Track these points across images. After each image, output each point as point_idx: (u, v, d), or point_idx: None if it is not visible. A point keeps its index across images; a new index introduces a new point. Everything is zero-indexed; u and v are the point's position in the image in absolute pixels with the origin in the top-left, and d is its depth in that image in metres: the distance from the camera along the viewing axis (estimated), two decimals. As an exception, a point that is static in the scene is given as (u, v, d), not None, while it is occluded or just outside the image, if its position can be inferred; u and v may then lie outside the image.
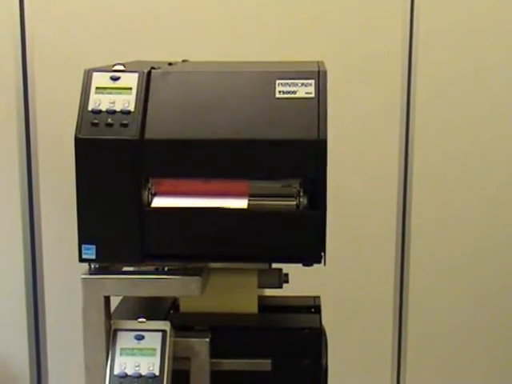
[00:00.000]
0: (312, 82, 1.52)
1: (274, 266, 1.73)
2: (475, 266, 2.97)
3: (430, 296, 2.92)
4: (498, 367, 3.13)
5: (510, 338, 3.10)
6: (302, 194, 1.53)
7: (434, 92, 2.72)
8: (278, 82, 1.53)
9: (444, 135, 2.78)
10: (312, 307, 1.82)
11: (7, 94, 2.37)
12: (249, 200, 1.53)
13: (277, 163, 1.51)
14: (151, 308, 1.79)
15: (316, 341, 1.65)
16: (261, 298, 1.79)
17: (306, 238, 1.51)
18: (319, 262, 1.53)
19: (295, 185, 1.54)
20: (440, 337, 2.98)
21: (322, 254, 1.53)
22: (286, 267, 1.76)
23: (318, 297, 1.87)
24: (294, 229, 1.51)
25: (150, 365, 1.53)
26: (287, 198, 1.54)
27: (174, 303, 1.81)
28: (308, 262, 1.55)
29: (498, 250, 2.96)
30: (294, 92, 1.52)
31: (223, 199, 1.52)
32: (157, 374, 1.52)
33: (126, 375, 1.53)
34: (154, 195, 1.54)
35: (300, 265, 1.58)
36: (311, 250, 1.52)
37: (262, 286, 1.76)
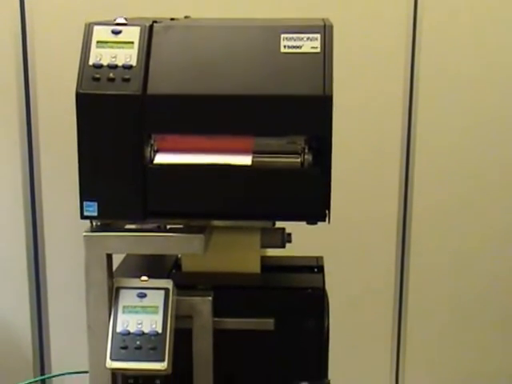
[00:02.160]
0: (318, 36, 1.49)
1: (277, 225, 1.72)
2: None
3: (431, 254, 2.93)
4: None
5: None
6: (306, 151, 1.51)
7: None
8: (282, 36, 1.50)
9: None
10: (315, 267, 1.81)
11: (5, 48, 2.33)
12: (253, 157, 1.51)
13: (281, 119, 1.48)
14: (153, 267, 1.79)
15: (319, 300, 1.64)
16: (263, 258, 1.77)
17: (310, 195, 1.50)
18: (323, 219, 1.51)
19: (300, 142, 1.51)
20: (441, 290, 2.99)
21: (327, 211, 1.51)
22: (289, 227, 1.75)
23: (321, 257, 1.86)
24: (299, 186, 1.50)
25: (152, 322, 1.53)
26: (292, 155, 1.52)
27: (177, 263, 1.80)
28: (312, 220, 1.53)
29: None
30: (300, 47, 1.49)
31: (227, 156, 1.50)
32: (159, 331, 1.52)
33: (129, 333, 1.52)
34: (157, 152, 1.52)
35: (304, 224, 1.58)
36: (316, 208, 1.50)
37: (264, 245, 1.75)
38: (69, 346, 2.39)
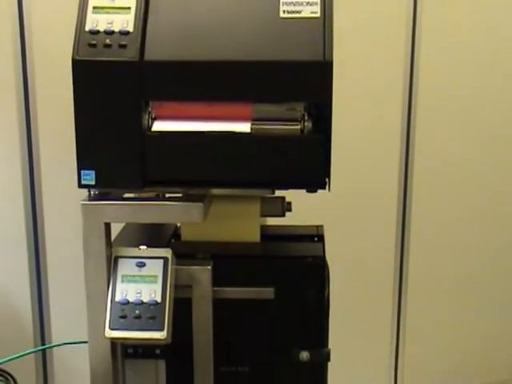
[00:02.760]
0: (318, 0, 1.47)
1: (277, 193, 1.70)
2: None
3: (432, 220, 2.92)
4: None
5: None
6: (306, 118, 1.49)
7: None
8: (282, 1, 1.47)
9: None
10: (315, 236, 1.80)
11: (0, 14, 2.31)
12: (252, 124, 1.49)
13: (281, 86, 1.46)
14: (152, 237, 1.78)
15: (319, 269, 1.63)
16: (263, 227, 1.76)
17: (310, 162, 1.48)
18: (323, 187, 1.50)
19: (300, 108, 1.50)
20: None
21: (327, 179, 1.50)
22: (289, 196, 1.74)
23: (322, 226, 1.84)
24: (299, 153, 1.48)
25: (151, 292, 1.52)
26: (291, 122, 1.50)
27: (176, 232, 1.79)
28: (312, 187, 1.52)
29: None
30: (299, 11, 1.47)
31: (226, 123, 1.49)
32: (158, 300, 1.51)
33: (128, 302, 1.51)
34: (155, 119, 1.50)
35: (304, 193, 1.56)
36: (315, 176, 1.49)
37: (264, 214, 1.74)
38: (69, 317, 2.38)
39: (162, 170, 1.50)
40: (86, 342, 1.60)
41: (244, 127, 1.48)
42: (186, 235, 1.73)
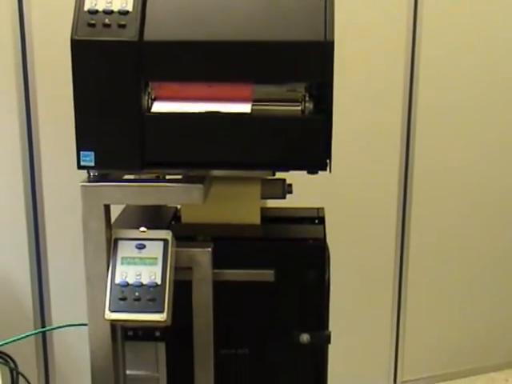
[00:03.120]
0: (318, -20, 1.45)
1: (278, 175, 1.69)
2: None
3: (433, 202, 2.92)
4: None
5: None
6: (307, 98, 1.48)
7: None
8: (282, -20, 1.46)
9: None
10: (316, 218, 1.79)
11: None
12: (252, 105, 1.48)
13: (282, 66, 1.45)
14: (152, 219, 1.77)
15: (320, 251, 1.62)
16: (264, 210, 1.76)
17: (311, 143, 1.47)
18: (324, 169, 1.49)
19: (300, 89, 1.48)
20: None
21: (328, 161, 1.48)
22: (290, 178, 1.73)
23: (322, 208, 1.84)
24: (299, 134, 1.47)
25: (151, 274, 1.51)
26: (292, 103, 1.49)
27: (176, 214, 1.78)
28: (313, 169, 1.51)
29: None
30: (300, -9, 1.45)
31: (226, 104, 1.47)
32: (158, 282, 1.50)
33: (128, 284, 1.51)
34: (154, 100, 1.49)
35: (304, 174, 1.55)
36: (316, 157, 1.48)
37: (265, 196, 1.73)
38: (69, 299, 2.38)
39: (162, 151, 1.49)
40: (85, 325, 1.59)
41: (244, 108, 1.47)
42: (186, 217, 1.72)
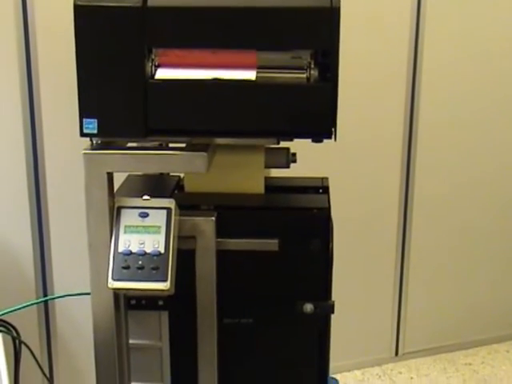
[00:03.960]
0: None
1: (282, 144, 1.68)
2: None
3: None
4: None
5: None
6: (312, 66, 1.46)
7: None
8: None
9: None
10: (320, 188, 1.78)
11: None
12: (257, 72, 1.46)
13: (287, 32, 1.44)
14: (155, 188, 1.76)
15: (324, 221, 1.61)
16: (268, 179, 1.74)
17: (316, 111, 1.46)
18: (329, 137, 1.48)
19: (306, 56, 1.47)
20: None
21: (333, 129, 1.47)
22: (294, 147, 1.72)
23: (327, 178, 1.82)
24: (304, 102, 1.46)
25: (154, 242, 1.50)
26: (297, 71, 1.47)
27: (179, 184, 1.77)
28: (318, 137, 1.49)
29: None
30: (306, -43, 1.43)
31: (230, 71, 1.46)
32: (162, 251, 1.49)
33: (131, 252, 1.50)
34: (158, 67, 1.47)
35: (309, 144, 1.54)
36: (321, 125, 1.46)
37: (269, 165, 1.71)
38: (71, 268, 2.38)
39: (165, 118, 1.47)
40: (88, 294, 1.59)
41: (249, 75, 1.45)
42: (190, 186, 1.71)
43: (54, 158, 2.33)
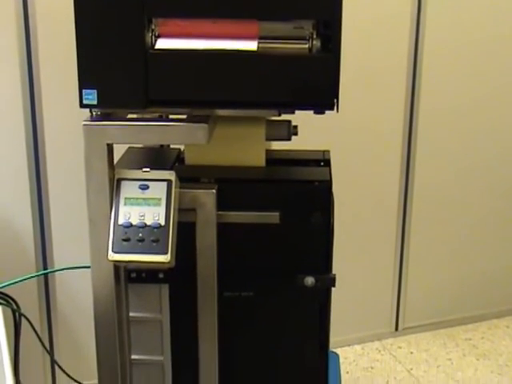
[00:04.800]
0: None
1: (284, 117, 1.66)
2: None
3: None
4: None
5: None
6: (315, 36, 1.45)
7: None
8: None
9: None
10: (321, 161, 1.77)
11: None
12: (259, 42, 1.44)
13: (289, 2, 1.42)
14: (156, 160, 1.75)
15: (325, 193, 1.60)
16: (269, 152, 1.73)
17: (318, 82, 1.44)
18: (331, 108, 1.46)
19: (308, 27, 1.45)
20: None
21: (335, 100, 1.45)
22: (296, 120, 1.70)
23: (328, 151, 1.81)
24: (306, 73, 1.44)
25: (155, 215, 1.49)
26: (299, 41, 1.46)
27: (179, 156, 1.75)
28: (320, 108, 1.48)
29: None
30: None
31: (231, 41, 1.44)
32: (162, 223, 1.48)
33: (131, 225, 1.49)
34: (158, 37, 1.46)
35: (310, 115, 1.52)
36: (324, 96, 1.45)
37: (270, 138, 1.70)
38: (71, 241, 2.37)
39: (166, 89, 1.45)
40: (88, 267, 1.58)
41: (250, 45, 1.43)
42: (190, 159, 1.70)
43: (53, 130, 2.32)
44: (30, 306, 2.37)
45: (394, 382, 2.84)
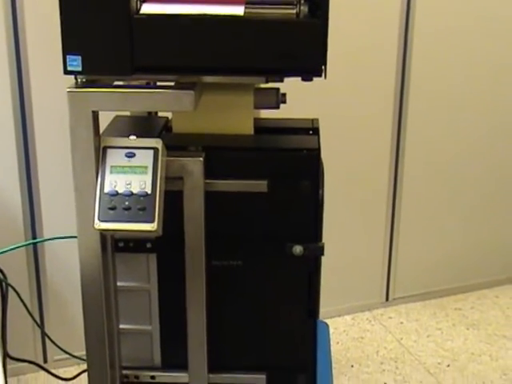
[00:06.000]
0: None
1: (272, 85, 1.64)
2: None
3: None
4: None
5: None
6: (302, 1, 1.42)
7: None
8: None
9: None
10: (310, 129, 1.75)
11: None
12: (245, 7, 1.42)
13: (276, -35, 1.39)
14: (143, 129, 1.73)
15: (314, 161, 1.59)
16: (257, 120, 1.71)
17: (306, 48, 1.42)
18: (319, 75, 1.44)
19: (296, -9, 1.43)
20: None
21: (323, 66, 1.44)
22: (284, 88, 1.68)
23: (317, 119, 1.79)
24: (294, 38, 1.42)
25: (141, 183, 1.47)
26: (287, 6, 1.43)
27: (167, 125, 1.73)
28: (308, 75, 1.46)
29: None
30: None
31: (218, 6, 1.42)
32: (149, 192, 1.47)
33: (117, 193, 1.47)
34: (143, 1, 1.43)
35: (298, 82, 1.50)
36: (311, 62, 1.43)
37: (258, 106, 1.68)
38: (60, 211, 2.36)
39: (152, 55, 1.43)
40: (76, 237, 1.56)
41: (237, 10, 1.41)
42: (178, 127, 1.68)
43: (41, 99, 2.30)
44: (20, 277, 2.36)
45: (384, 351, 2.85)
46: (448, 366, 2.76)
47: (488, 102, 3.01)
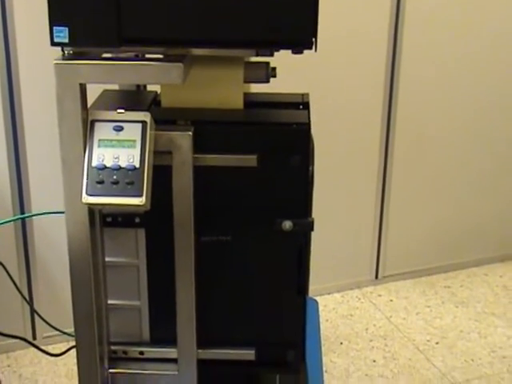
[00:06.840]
0: None
1: (262, 59, 1.63)
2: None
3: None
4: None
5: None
6: None
7: None
8: None
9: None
10: (300, 104, 1.74)
11: None
12: (235, -22, 1.40)
13: None
14: (131, 103, 1.71)
15: (303, 136, 1.57)
16: (247, 94, 1.70)
17: (296, 19, 1.40)
18: (310, 47, 1.42)
19: (286, -40, 1.40)
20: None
21: (313, 39, 1.42)
22: (274, 62, 1.67)
23: (307, 94, 1.78)
24: (284, 9, 1.40)
25: (129, 157, 1.46)
26: (277, -23, 1.41)
27: (155, 99, 1.72)
28: (298, 47, 1.44)
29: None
30: None
31: None
32: (137, 166, 1.45)
33: (105, 167, 1.46)
34: (131, -29, 1.40)
35: (289, 56, 1.49)
36: (302, 34, 1.41)
37: (248, 80, 1.66)
38: (48, 186, 2.34)
39: (140, 26, 1.41)
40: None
41: None
42: (166, 101, 1.66)
43: (28, 71, 2.27)
44: (8, 253, 2.35)
45: (374, 329, 2.85)
46: (437, 343, 2.77)
47: (477, 83, 3.00)
